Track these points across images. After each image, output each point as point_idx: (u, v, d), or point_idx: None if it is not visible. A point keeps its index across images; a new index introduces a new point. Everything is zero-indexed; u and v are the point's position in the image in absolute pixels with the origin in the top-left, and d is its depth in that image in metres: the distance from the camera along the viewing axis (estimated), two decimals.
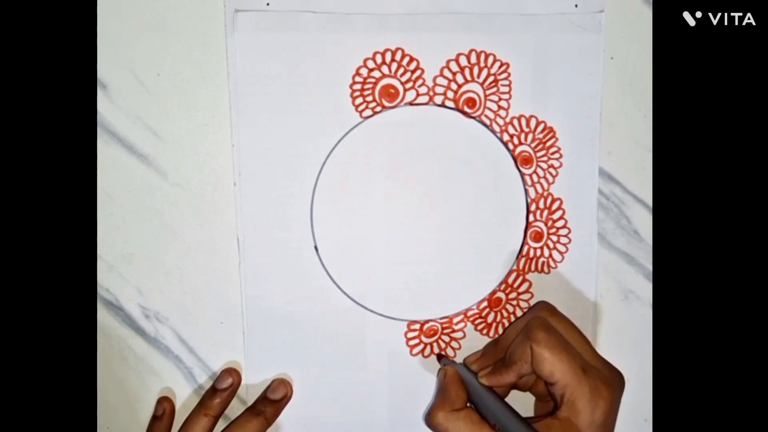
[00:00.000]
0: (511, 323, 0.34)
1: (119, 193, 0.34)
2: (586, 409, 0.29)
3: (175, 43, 0.33)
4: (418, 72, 0.34)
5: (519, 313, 0.36)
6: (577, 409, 0.29)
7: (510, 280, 0.35)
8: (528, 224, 0.35)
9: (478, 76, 0.34)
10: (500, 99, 0.34)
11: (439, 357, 0.36)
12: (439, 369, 0.34)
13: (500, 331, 0.36)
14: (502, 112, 0.34)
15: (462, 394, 0.32)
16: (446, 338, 0.36)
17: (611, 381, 0.30)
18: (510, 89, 0.34)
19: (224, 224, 0.34)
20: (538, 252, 0.35)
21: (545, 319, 0.31)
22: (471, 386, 0.32)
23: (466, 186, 0.34)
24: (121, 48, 0.33)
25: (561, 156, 0.35)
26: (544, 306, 0.33)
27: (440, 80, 0.34)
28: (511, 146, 0.34)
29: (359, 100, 0.34)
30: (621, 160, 0.35)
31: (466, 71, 0.34)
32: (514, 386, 0.33)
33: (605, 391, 0.29)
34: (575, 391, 0.29)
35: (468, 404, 0.31)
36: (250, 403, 0.35)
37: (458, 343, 0.36)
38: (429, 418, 0.31)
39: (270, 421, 0.34)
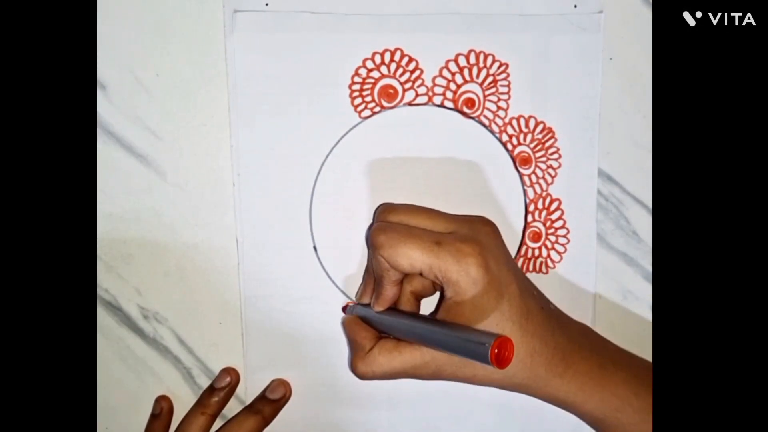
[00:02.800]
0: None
1: (118, 193, 0.34)
2: (460, 276, 0.28)
3: (175, 44, 0.33)
4: (417, 72, 0.34)
5: None
6: (453, 281, 0.28)
7: None
8: (526, 224, 0.35)
9: (477, 77, 0.34)
10: (499, 99, 0.34)
11: (344, 309, 0.35)
12: (342, 321, 0.34)
13: None
14: (501, 113, 0.34)
15: (366, 334, 0.31)
16: None
17: (472, 235, 0.29)
18: (509, 90, 0.34)
19: (223, 225, 0.34)
20: (537, 252, 0.35)
21: (380, 222, 0.30)
22: (374, 320, 0.32)
23: (465, 186, 0.34)
24: (120, 48, 0.33)
25: (560, 156, 0.35)
26: (380, 209, 0.32)
27: (439, 80, 0.34)
28: (510, 147, 0.34)
29: (358, 101, 0.34)
30: (620, 160, 0.35)
31: (465, 72, 0.34)
32: (418, 296, 0.32)
33: (468, 248, 0.28)
34: (441, 266, 0.28)
35: (380, 337, 0.31)
36: (248, 403, 0.35)
37: None
38: (355, 373, 0.31)
39: (268, 420, 0.34)
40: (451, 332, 0.27)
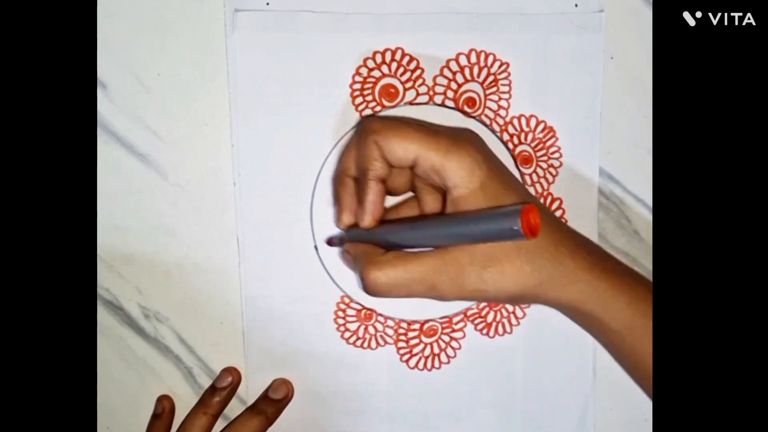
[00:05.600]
0: (339, 158, 0.32)
1: (119, 193, 0.34)
2: (462, 160, 0.26)
3: (175, 43, 0.33)
4: (418, 71, 0.34)
5: (519, 312, 0.36)
6: (453, 169, 0.26)
7: None
8: None
9: (478, 76, 0.34)
10: (500, 99, 0.34)
11: (329, 242, 0.34)
12: (341, 254, 0.32)
13: (500, 330, 0.36)
14: (502, 112, 0.34)
15: (371, 248, 0.28)
16: (446, 338, 0.36)
17: (464, 135, 0.28)
18: (510, 89, 0.34)
19: (224, 224, 0.34)
20: None
21: (372, 116, 0.29)
22: (377, 239, 0.29)
23: None
24: (120, 48, 0.33)
25: (561, 156, 0.35)
26: (366, 119, 0.30)
27: (440, 80, 0.34)
28: (510, 146, 0.34)
29: (359, 100, 0.34)
30: (621, 159, 0.35)
31: (466, 71, 0.34)
32: (391, 193, 0.30)
33: (463, 137, 0.27)
34: (440, 151, 0.26)
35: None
36: (249, 403, 0.35)
37: (458, 343, 0.36)
38: (365, 283, 0.27)
39: (271, 420, 0.34)
40: (467, 218, 0.25)
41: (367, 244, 0.29)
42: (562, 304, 0.28)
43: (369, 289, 0.27)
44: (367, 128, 0.28)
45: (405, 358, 0.36)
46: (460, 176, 0.27)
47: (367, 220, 0.29)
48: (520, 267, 0.27)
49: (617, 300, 0.27)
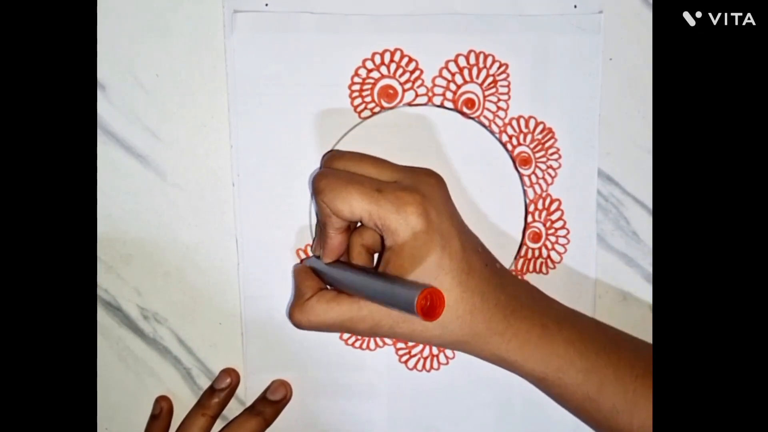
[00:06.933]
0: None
1: (118, 193, 0.34)
2: (399, 224, 0.27)
3: (174, 44, 0.33)
4: (417, 73, 0.34)
5: None
6: (391, 229, 0.27)
7: None
8: (526, 225, 0.35)
9: (477, 77, 0.34)
10: (499, 100, 0.34)
11: (301, 262, 0.35)
12: (293, 267, 0.34)
13: None
14: (501, 113, 0.34)
15: (311, 283, 0.31)
16: None
17: (415, 185, 0.28)
18: (509, 90, 0.34)
19: (223, 225, 0.34)
20: (537, 253, 0.35)
21: (324, 168, 0.30)
22: (323, 272, 0.31)
23: (465, 187, 0.34)
24: (120, 48, 0.33)
25: (560, 157, 0.35)
26: (326, 156, 0.32)
27: (439, 81, 0.34)
28: (509, 147, 0.34)
29: (358, 101, 0.34)
30: (620, 161, 0.35)
31: (465, 72, 0.34)
32: (369, 249, 0.31)
33: (409, 196, 0.27)
34: (380, 213, 0.27)
35: (322, 288, 0.31)
36: (248, 403, 0.35)
37: None
38: (291, 321, 0.30)
39: (269, 421, 0.34)
40: (381, 282, 0.27)
41: (311, 276, 0.32)
42: (483, 359, 0.30)
43: (296, 326, 0.30)
44: (315, 187, 0.29)
45: (404, 359, 0.36)
46: (393, 239, 0.28)
47: (325, 259, 0.31)
48: (429, 328, 0.28)
49: (529, 359, 0.29)
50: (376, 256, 0.32)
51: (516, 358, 0.29)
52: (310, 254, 0.34)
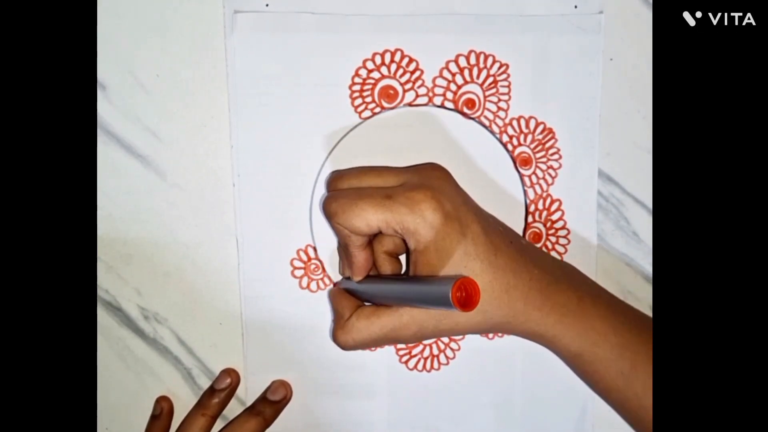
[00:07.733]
0: None
1: (118, 193, 0.34)
2: (417, 223, 0.27)
3: (175, 44, 0.33)
4: (418, 73, 0.34)
5: None
6: (411, 230, 0.27)
7: None
8: (527, 225, 0.35)
9: (478, 77, 0.34)
10: (499, 100, 0.34)
11: (334, 284, 0.35)
12: (328, 292, 0.34)
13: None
14: (502, 113, 0.34)
15: (348, 303, 0.31)
16: (446, 338, 0.36)
17: (423, 182, 0.28)
18: (509, 90, 0.34)
19: (223, 225, 0.34)
20: None
21: (330, 191, 0.30)
22: (358, 291, 0.31)
23: (465, 187, 0.34)
24: (120, 48, 0.33)
25: (560, 157, 0.35)
26: (329, 178, 0.32)
27: (439, 81, 0.34)
28: (510, 147, 0.34)
29: (358, 101, 0.34)
30: (620, 161, 0.35)
31: (466, 72, 0.34)
32: (392, 254, 0.31)
33: (419, 194, 0.27)
34: (396, 219, 0.27)
35: (360, 305, 0.31)
36: (248, 403, 0.35)
37: (457, 344, 0.36)
38: (336, 343, 0.30)
39: (269, 421, 0.34)
40: (413, 285, 0.27)
41: (346, 296, 0.32)
42: (524, 336, 0.30)
43: (341, 348, 0.30)
44: (327, 212, 0.29)
45: (404, 359, 0.36)
46: (415, 239, 0.28)
47: (355, 278, 0.31)
48: (471, 317, 0.28)
49: (566, 333, 0.29)
50: (403, 259, 0.33)
51: (555, 332, 0.29)
52: (339, 277, 0.34)
